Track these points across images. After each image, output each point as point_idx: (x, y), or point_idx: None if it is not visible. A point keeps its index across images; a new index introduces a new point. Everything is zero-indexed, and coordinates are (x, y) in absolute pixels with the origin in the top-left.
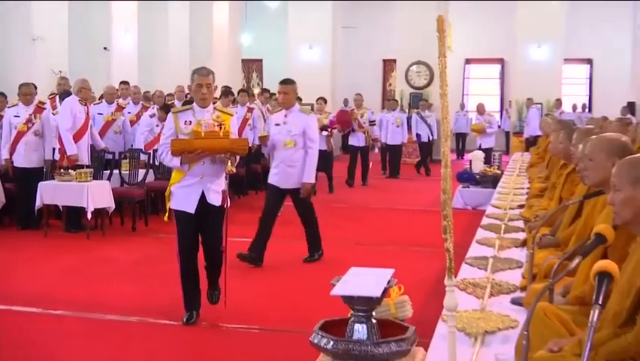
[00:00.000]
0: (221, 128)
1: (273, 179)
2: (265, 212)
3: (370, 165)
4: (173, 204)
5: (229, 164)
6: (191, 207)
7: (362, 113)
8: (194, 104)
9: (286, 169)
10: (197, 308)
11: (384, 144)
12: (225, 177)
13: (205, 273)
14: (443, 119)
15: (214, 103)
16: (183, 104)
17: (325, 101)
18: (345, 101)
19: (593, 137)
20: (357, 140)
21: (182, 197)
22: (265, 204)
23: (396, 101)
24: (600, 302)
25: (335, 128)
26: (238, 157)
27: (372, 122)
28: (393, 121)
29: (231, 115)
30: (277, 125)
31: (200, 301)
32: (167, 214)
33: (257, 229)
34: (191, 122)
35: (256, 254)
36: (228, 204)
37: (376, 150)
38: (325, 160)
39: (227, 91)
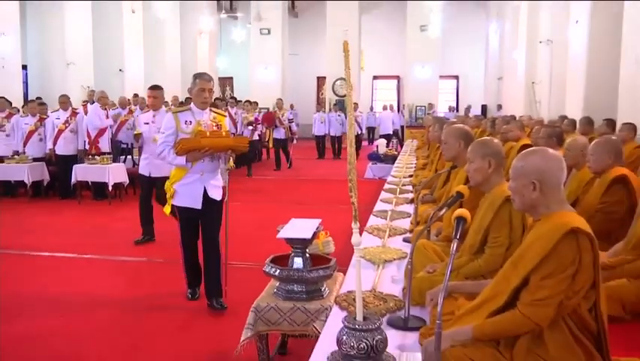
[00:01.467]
0: (219, 128)
1: (144, 169)
2: (142, 198)
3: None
4: (178, 201)
5: (230, 160)
6: (197, 204)
7: (283, 113)
8: (192, 105)
9: (154, 161)
10: (199, 285)
11: (313, 135)
12: (227, 173)
13: (203, 273)
14: (348, 113)
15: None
16: (178, 106)
17: (251, 103)
18: (291, 106)
19: (448, 127)
20: (279, 134)
21: (187, 194)
22: (141, 191)
23: (335, 104)
24: (458, 237)
25: (259, 124)
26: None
27: (290, 120)
28: (318, 118)
29: (225, 116)
30: (146, 123)
31: (201, 279)
32: (169, 209)
33: (139, 213)
34: (191, 122)
35: (149, 235)
36: (227, 198)
37: (295, 142)
38: (253, 148)
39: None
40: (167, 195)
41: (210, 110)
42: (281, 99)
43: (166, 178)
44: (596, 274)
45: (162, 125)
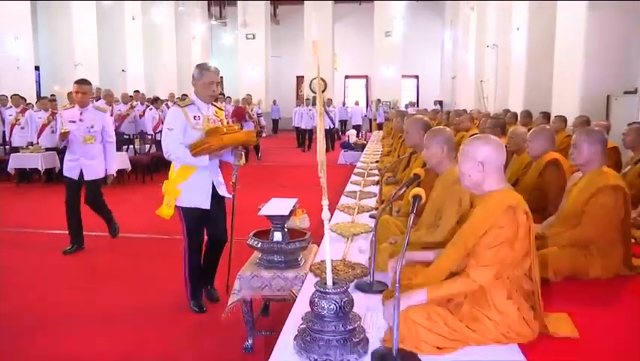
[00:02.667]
0: (222, 123)
1: (72, 172)
2: (70, 203)
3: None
4: (185, 201)
5: (242, 156)
6: (206, 204)
7: (252, 108)
8: (196, 99)
9: (86, 162)
10: (201, 295)
11: (293, 127)
12: (236, 168)
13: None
14: (318, 106)
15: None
16: (179, 100)
17: (216, 100)
18: (274, 102)
19: (411, 118)
20: (248, 127)
21: (195, 193)
22: (68, 196)
23: (307, 99)
24: (414, 212)
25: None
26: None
27: (259, 115)
28: (298, 112)
29: (223, 110)
30: (72, 122)
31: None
32: (170, 212)
33: (67, 221)
34: (199, 117)
35: (78, 244)
36: (235, 194)
37: (263, 135)
38: None
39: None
40: (170, 198)
41: (211, 104)
42: (250, 94)
43: (99, 180)
44: (531, 243)
45: (168, 121)
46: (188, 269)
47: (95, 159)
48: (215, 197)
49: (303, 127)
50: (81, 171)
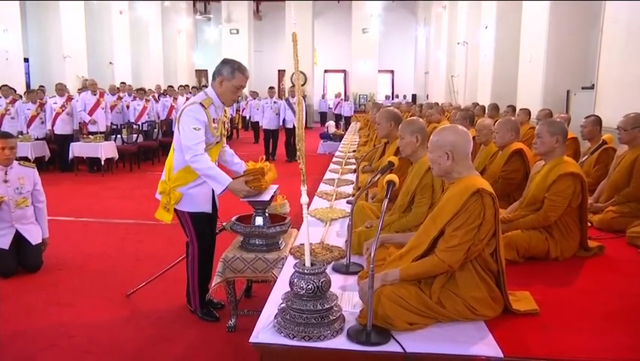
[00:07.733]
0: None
1: (2, 241)
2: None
3: None
4: (187, 206)
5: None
6: (209, 207)
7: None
8: (215, 99)
9: (24, 227)
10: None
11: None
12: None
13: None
14: (297, 95)
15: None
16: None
17: (184, 87)
18: (257, 94)
19: (380, 110)
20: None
21: (198, 198)
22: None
23: (272, 88)
24: (388, 197)
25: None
26: None
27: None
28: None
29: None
30: None
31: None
32: (170, 217)
33: None
34: (216, 120)
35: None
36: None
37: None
38: None
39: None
40: (168, 200)
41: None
42: (171, 86)
43: (39, 244)
44: (497, 226)
45: (193, 118)
46: (198, 277)
47: (34, 223)
48: (214, 201)
49: (265, 127)
50: (16, 237)
